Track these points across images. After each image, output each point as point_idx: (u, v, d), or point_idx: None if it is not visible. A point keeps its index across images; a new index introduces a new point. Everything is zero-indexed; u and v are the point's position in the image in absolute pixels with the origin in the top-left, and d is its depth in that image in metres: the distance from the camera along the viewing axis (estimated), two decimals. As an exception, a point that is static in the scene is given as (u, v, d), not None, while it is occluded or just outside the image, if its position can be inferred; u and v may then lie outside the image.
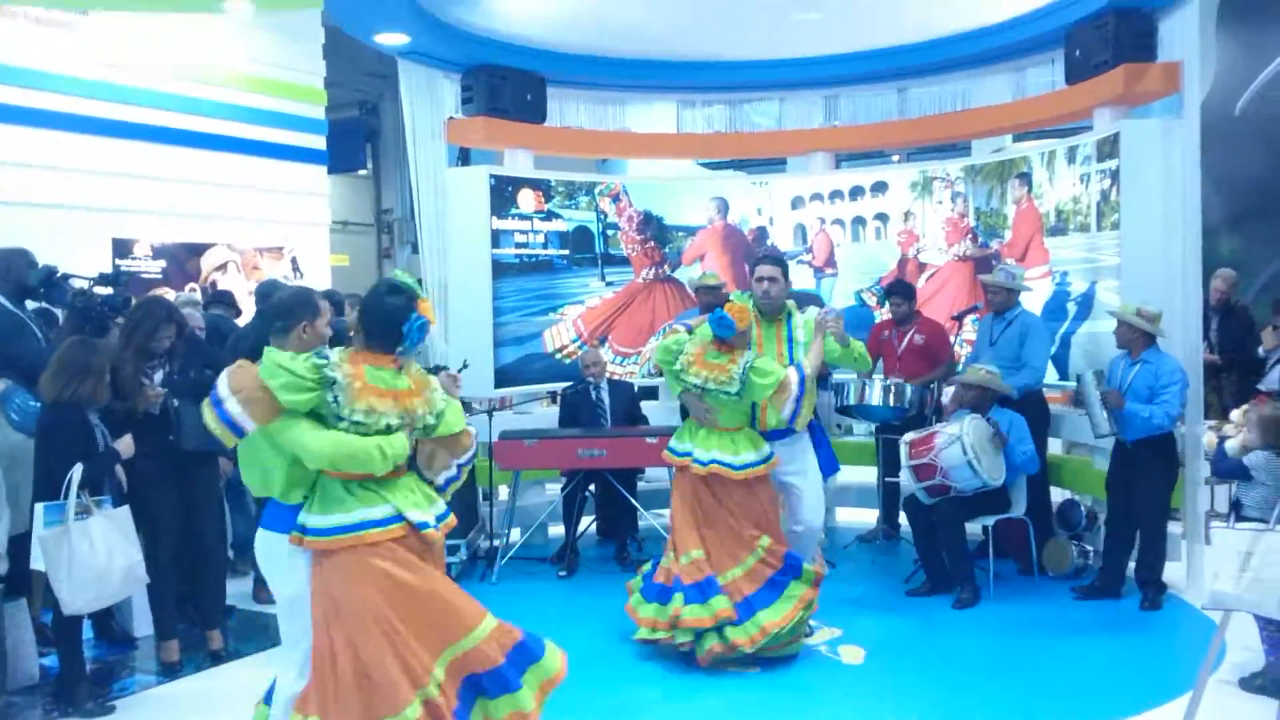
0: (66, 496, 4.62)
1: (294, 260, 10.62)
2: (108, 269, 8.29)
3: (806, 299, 8.81)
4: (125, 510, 4.90)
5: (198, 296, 8.25)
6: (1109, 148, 6.95)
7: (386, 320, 3.43)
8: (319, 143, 11.00)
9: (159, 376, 5.24)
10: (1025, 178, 7.88)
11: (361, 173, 18.10)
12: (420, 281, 3.59)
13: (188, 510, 5.36)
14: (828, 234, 8.91)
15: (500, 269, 8.16)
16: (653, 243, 8.91)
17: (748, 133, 9.27)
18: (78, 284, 5.60)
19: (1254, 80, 12.50)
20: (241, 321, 7.32)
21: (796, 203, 9.03)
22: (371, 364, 3.39)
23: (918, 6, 7.52)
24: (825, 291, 8.86)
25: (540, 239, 8.44)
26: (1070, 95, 7.45)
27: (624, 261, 8.82)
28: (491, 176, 8.17)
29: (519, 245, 8.33)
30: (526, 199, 8.36)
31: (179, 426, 5.17)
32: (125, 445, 4.97)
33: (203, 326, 6.67)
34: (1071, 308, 7.39)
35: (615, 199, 8.81)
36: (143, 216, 9.48)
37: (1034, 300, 7.50)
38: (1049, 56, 7.83)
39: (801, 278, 8.80)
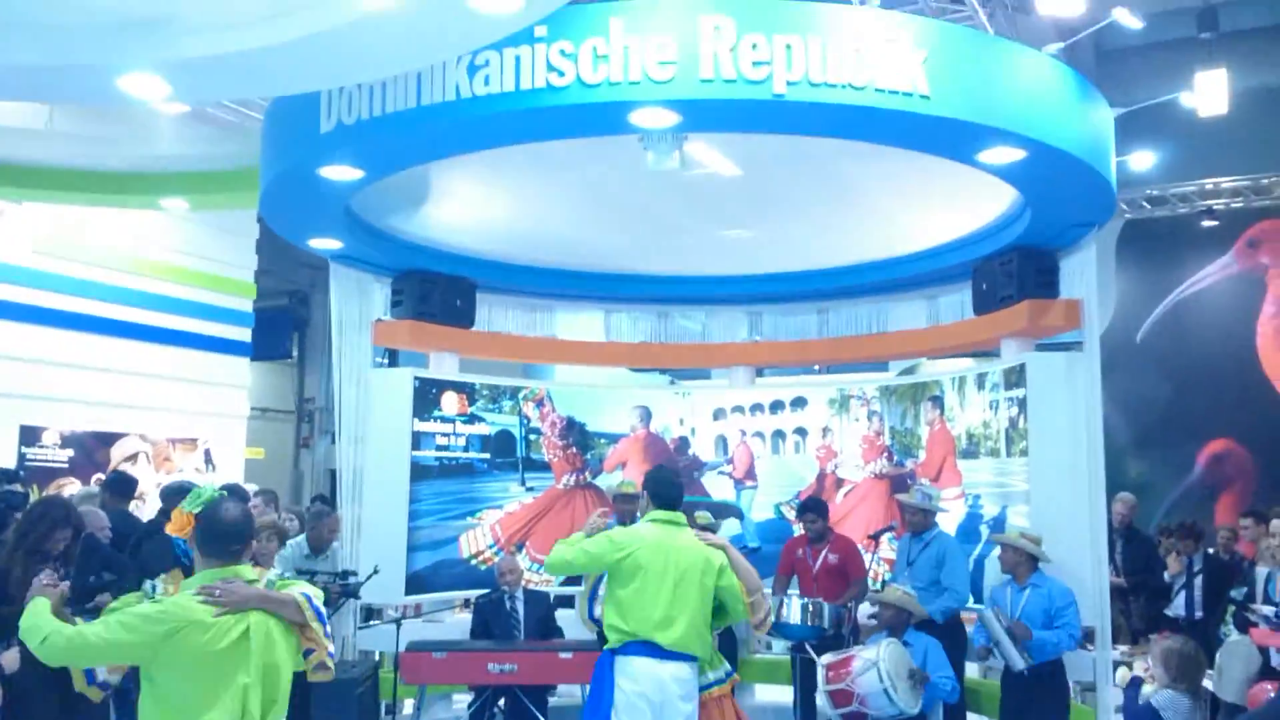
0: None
1: (207, 452, 10.42)
2: (9, 463, 8.03)
3: (726, 510, 8.85)
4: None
5: (95, 490, 7.97)
6: (1016, 377, 7.23)
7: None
8: (244, 335, 11.02)
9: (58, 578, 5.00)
10: (937, 401, 8.12)
11: (287, 360, 18.06)
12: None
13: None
14: (748, 446, 9.02)
15: (419, 471, 8.08)
16: (574, 449, 8.92)
17: (672, 344, 9.48)
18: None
19: (1154, 309, 13.25)
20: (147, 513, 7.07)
21: (718, 414, 9.17)
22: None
23: (836, 234, 7.89)
24: (745, 503, 8.90)
25: (462, 442, 8.41)
26: (978, 325, 7.79)
27: (545, 467, 8.80)
28: (416, 379, 8.19)
29: (440, 448, 8.28)
30: (450, 402, 8.37)
31: None
32: (9, 659, 4.67)
33: (107, 527, 6.37)
34: (984, 530, 7.49)
35: (539, 404, 8.87)
36: (54, 404, 9.30)
37: (948, 521, 7.60)
38: (961, 286, 8.22)
39: (722, 489, 8.84)
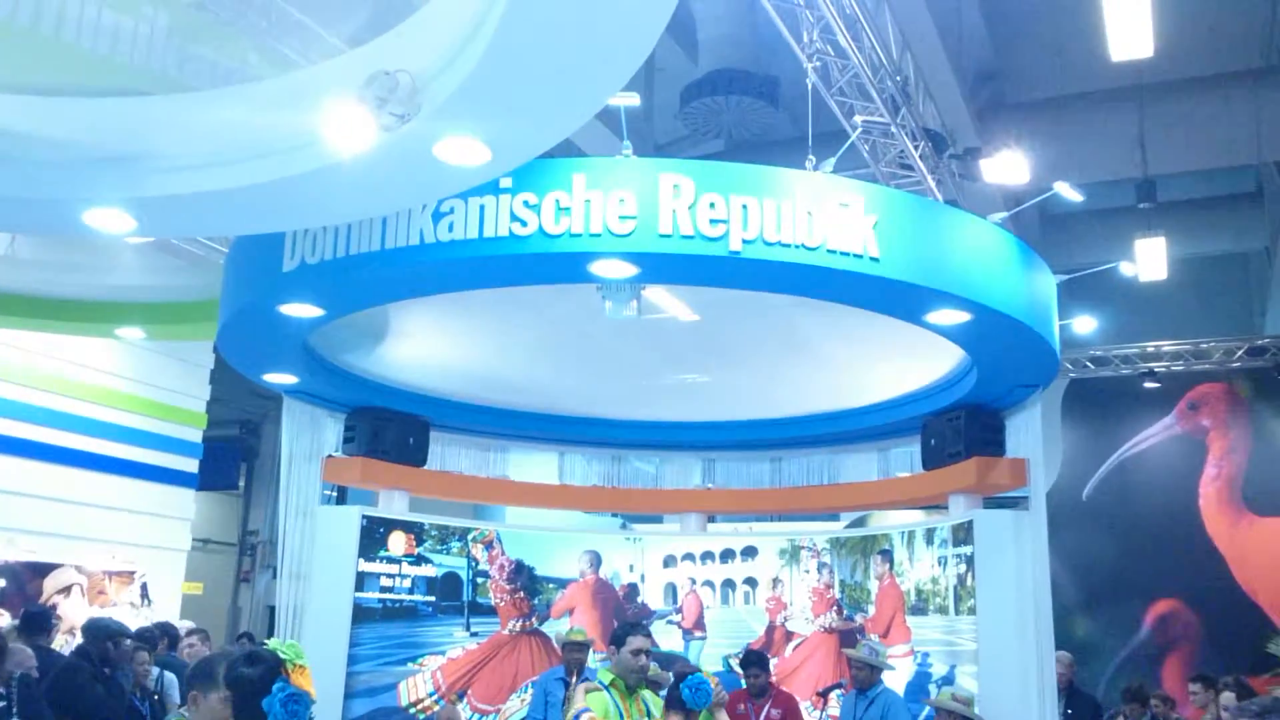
0: None
1: (144, 586, 10.10)
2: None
3: (673, 660, 8.68)
4: None
5: (6, 623, 7.64)
6: (964, 534, 7.27)
7: (241, 696, 2.95)
8: (192, 465, 10.84)
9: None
10: (887, 554, 8.13)
11: (233, 491, 17.73)
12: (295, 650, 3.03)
13: None
14: (698, 595, 8.92)
15: (361, 614, 7.88)
16: (522, 593, 8.77)
17: (626, 488, 9.46)
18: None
19: (1099, 467, 13.44)
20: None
21: (669, 561, 9.09)
22: None
23: (790, 384, 8.01)
24: (694, 654, 8.74)
25: (407, 584, 8.25)
26: (927, 480, 7.87)
27: (491, 611, 8.62)
28: (364, 517, 8.07)
29: (384, 589, 8.10)
30: (397, 541, 8.24)
31: None
32: None
33: (34, 665, 6.09)
34: (933, 690, 7.40)
35: (488, 546, 8.74)
36: (-12, 532, 9.03)
37: (897, 679, 7.51)
38: (911, 439, 8.33)
39: (670, 639, 8.69)
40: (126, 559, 10.09)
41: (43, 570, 9.36)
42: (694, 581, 8.98)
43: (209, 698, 3.10)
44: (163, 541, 10.52)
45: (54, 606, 9.03)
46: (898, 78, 8.19)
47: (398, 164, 4.32)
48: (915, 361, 7.19)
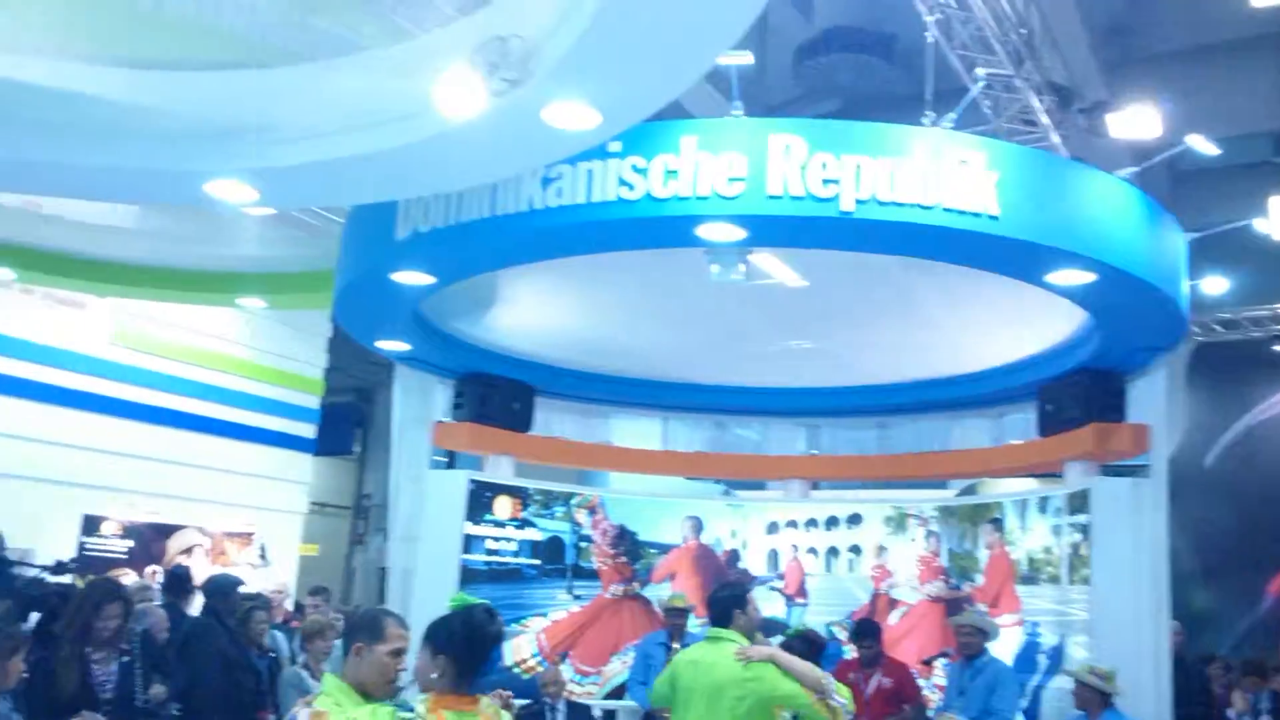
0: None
1: (262, 547, 10.47)
2: (64, 556, 8.12)
3: (774, 628, 8.65)
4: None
5: (150, 582, 8.00)
6: (1080, 502, 7.07)
7: (481, 646, 3.22)
8: (309, 431, 11.16)
9: (113, 668, 5.02)
10: (998, 523, 7.95)
11: (348, 456, 18.23)
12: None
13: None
14: (800, 562, 8.87)
15: (468, 575, 8.03)
16: (625, 558, 8.83)
17: (729, 454, 9.43)
18: (30, 572, 5.48)
19: (1223, 434, 12.94)
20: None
21: (772, 528, 9.04)
22: (453, 708, 3.09)
23: (900, 349, 7.86)
24: (795, 621, 8.68)
25: (512, 547, 8.38)
26: (1042, 447, 7.66)
27: (593, 575, 8.71)
28: (471, 481, 8.21)
29: (490, 552, 8.25)
30: (503, 506, 8.36)
31: None
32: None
33: (167, 628, 6.34)
34: (1042, 660, 7.25)
35: (591, 511, 8.82)
36: (116, 494, 9.44)
37: (1005, 649, 7.36)
38: (1026, 405, 8.10)
39: (772, 606, 8.66)
40: (246, 521, 10.47)
41: (167, 531, 9.77)
42: (796, 548, 8.92)
43: (375, 649, 3.12)
44: (280, 504, 10.89)
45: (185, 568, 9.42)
46: (1022, 30, 7.93)
47: (507, 130, 4.34)
48: (1032, 325, 6.97)
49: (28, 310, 9.03)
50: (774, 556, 8.98)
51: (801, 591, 8.81)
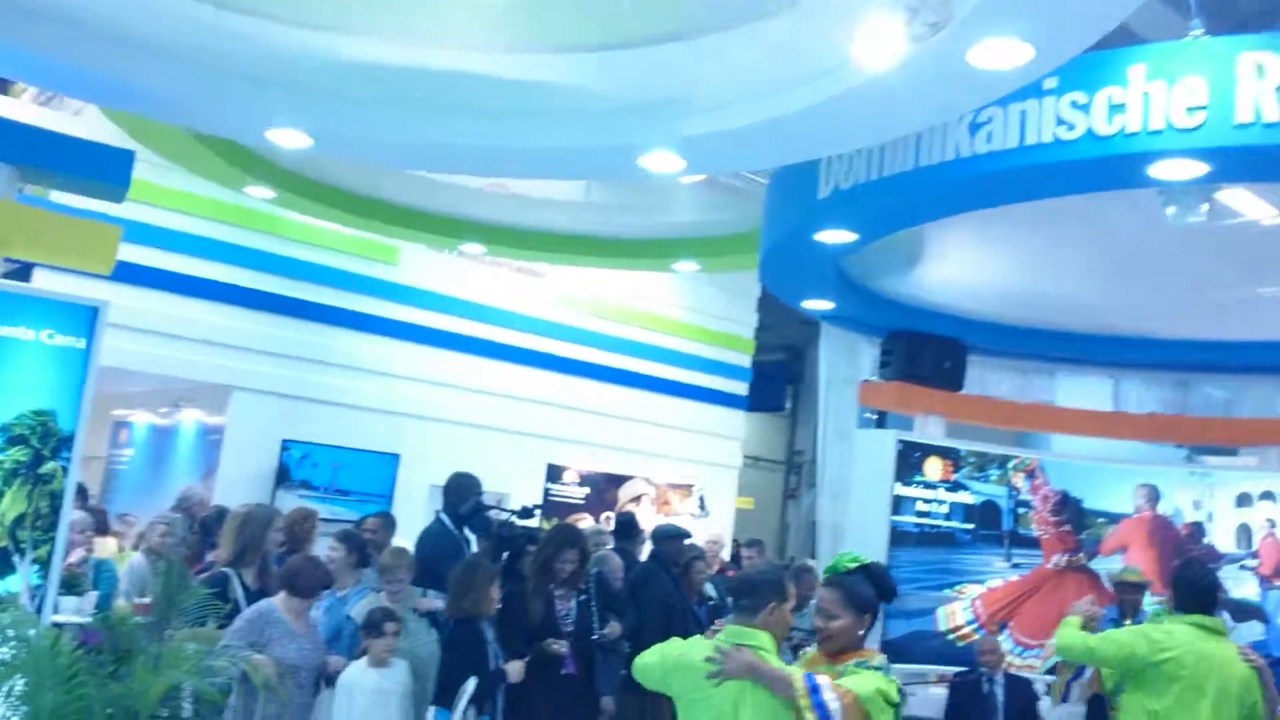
0: (457, 707, 4.91)
1: (701, 499, 11.03)
2: (531, 501, 9.03)
3: (1247, 612, 7.71)
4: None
5: (604, 527, 8.68)
6: None
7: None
8: (741, 389, 11.57)
9: (572, 604, 5.54)
10: None
11: (780, 412, 18.66)
12: None
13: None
14: (1278, 539, 7.80)
15: (898, 536, 7.91)
16: (1068, 526, 8.25)
17: (1193, 416, 8.51)
18: (500, 516, 6.13)
19: None
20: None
21: (1243, 500, 8.03)
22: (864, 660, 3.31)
23: None
24: (1272, 606, 7.69)
25: (944, 510, 8.13)
26: None
27: (1033, 543, 8.23)
28: (900, 441, 8.06)
29: (920, 514, 8.06)
30: (933, 467, 8.13)
31: (594, 671, 5.39)
32: (515, 670, 5.22)
33: (621, 574, 6.85)
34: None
35: (1030, 475, 8.33)
36: (574, 446, 10.36)
37: None
38: None
39: (1244, 587, 7.72)
40: (687, 473, 11.08)
41: (618, 481, 10.59)
42: (1273, 524, 7.85)
43: (783, 608, 3.38)
44: (717, 458, 11.42)
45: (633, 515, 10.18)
46: None
47: (931, 76, 4.15)
48: None
49: (495, 279, 10.14)
50: (1245, 532, 7.98)
51: (1278, 572, 7.77)
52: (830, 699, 3.08)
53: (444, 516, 6.15)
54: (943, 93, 4.38)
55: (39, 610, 4.57)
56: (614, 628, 5.98)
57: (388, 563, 5.39)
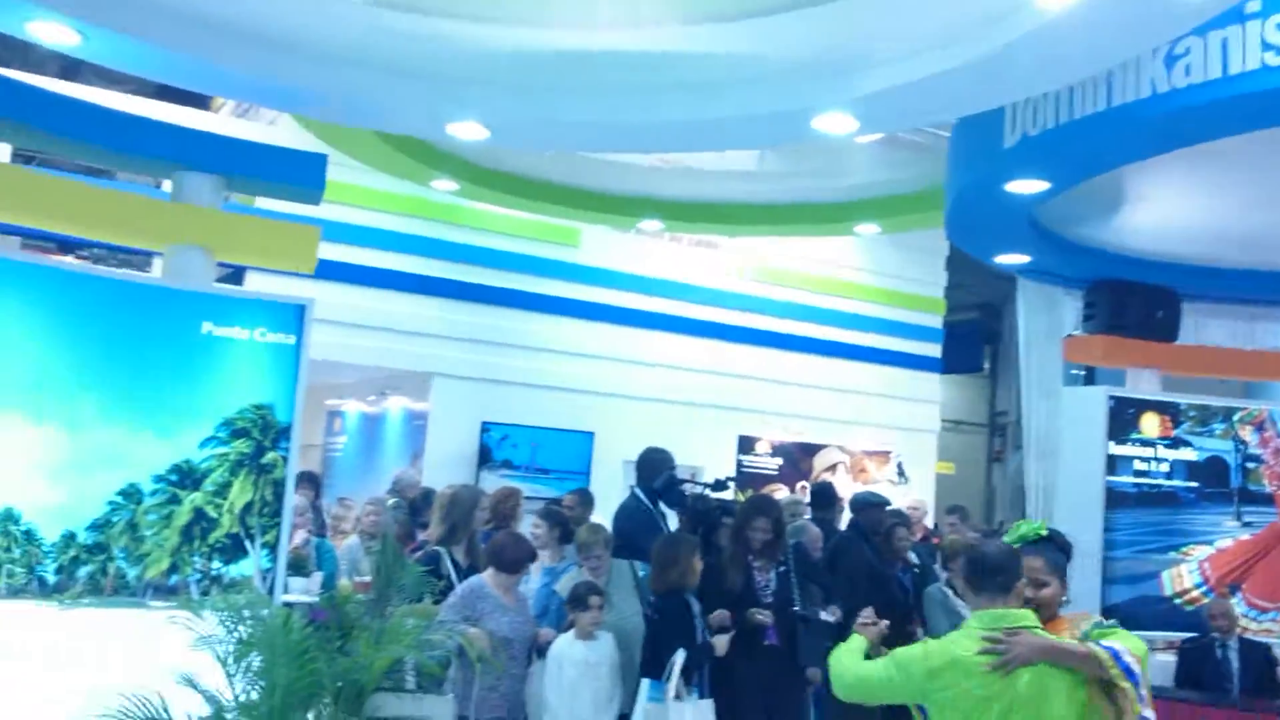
0: (668, 678, 5.00)
1: (899, 465, 10.80)
2: (724, 474, 9.05)
3: None
4: (709, 704, 5.18)
5: (800, 497, 8.62)
6: None
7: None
8: (935, 351, 11.26)
9: (771, 575, 5.54)
10: None
11: (978, 373, 18.03)
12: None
13: (769, 714, 5.51)
14: None
15: (1114, 498, 7.51)
16: (1305, 480, 7.65)
17: None
18: (694, 490, 6.19)
19: None
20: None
21: None
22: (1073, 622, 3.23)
23: None
24: None
25: (1164, 468, 7.67)
26: None
27: (1266, 500, 7.67)
28: (1111, 398, 7.64)
29: (1138, 474, 7.63)
30: (1150, 423, 7.68)
31: (796, 643, 5.39)
32: (720, 644, 5.27)
33: (819, 545, 6.80)
34: None
35: (1259, 428, 7.75)
36: (765, 416, 10.34)
37: None
38: None
39: None
40: (882, 440, 10.86)
41: (811, 450, 10.49)
42: None
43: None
44: (913, 423, 11.14)
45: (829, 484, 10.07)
46: None
47: (1118, 7, 3.88)
48: None
49: (676, 255, 10.19)
50: None
51: None
52: (1131, 661, 2.97)
53: (638, 491, 6.25)
54: (1133, 25, 4.08)
55: (270, 591, 4.93)
56: (835, 612, 5.81)
57: (585, 539, 5.53)
